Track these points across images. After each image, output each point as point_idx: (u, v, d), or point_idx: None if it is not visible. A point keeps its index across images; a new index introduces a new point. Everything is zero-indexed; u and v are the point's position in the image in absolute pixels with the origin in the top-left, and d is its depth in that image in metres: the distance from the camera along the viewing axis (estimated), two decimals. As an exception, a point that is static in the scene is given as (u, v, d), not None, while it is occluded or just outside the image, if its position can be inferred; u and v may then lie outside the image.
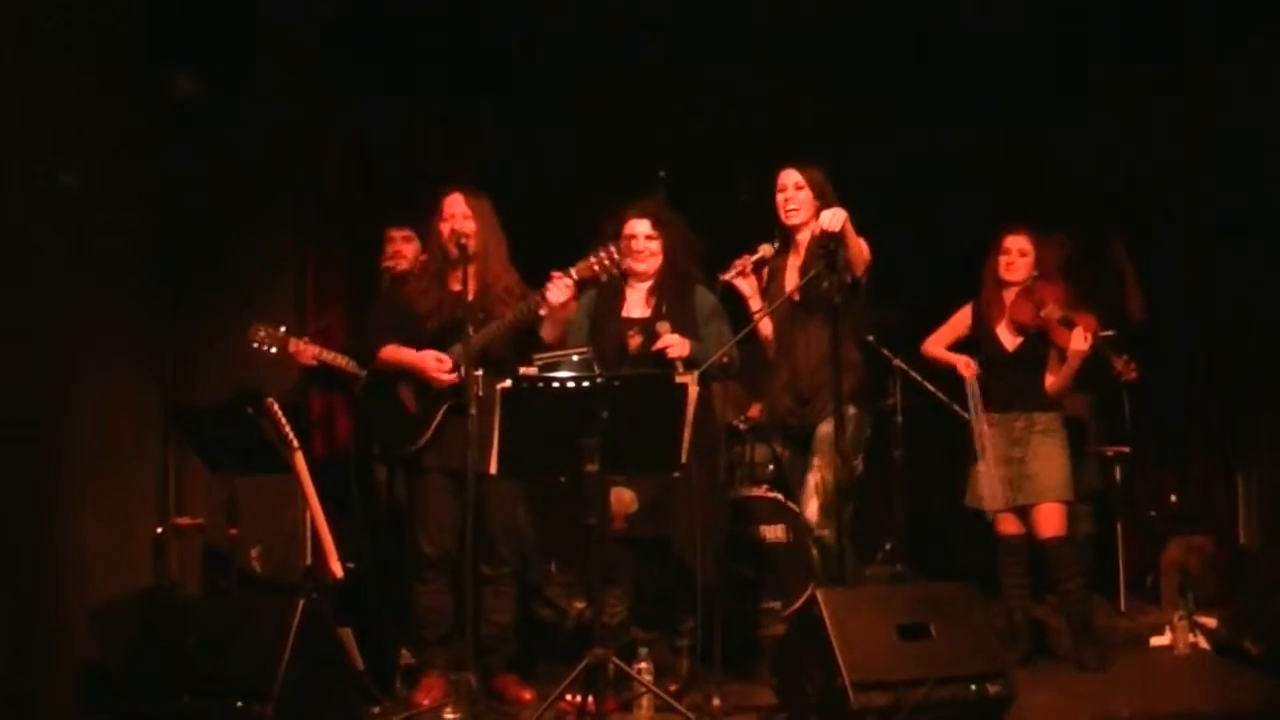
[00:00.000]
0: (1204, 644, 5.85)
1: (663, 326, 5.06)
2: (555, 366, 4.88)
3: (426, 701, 5.01)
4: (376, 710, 4.93)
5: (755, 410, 6.26)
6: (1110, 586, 6.53)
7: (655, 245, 5.23)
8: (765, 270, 5.34)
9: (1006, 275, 5.68)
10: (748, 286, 5.24)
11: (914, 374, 6.18)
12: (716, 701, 4.75)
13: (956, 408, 5.81)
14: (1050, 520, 5.55)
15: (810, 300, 5.14)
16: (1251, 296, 6.66)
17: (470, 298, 4.89)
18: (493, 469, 4.44)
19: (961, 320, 5.83)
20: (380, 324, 5.27)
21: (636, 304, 5.26)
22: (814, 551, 5.26)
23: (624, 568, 5.14)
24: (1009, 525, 5.64)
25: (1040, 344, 5.64)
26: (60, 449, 5.17)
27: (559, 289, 4.92)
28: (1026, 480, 5.57)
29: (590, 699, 4.46)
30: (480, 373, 4.90)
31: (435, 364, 5.05)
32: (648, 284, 5.26)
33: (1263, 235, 6.56)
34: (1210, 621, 5.90)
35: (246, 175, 6.25)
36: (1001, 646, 4.81)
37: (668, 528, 5.09)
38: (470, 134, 7.34)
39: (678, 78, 7.17)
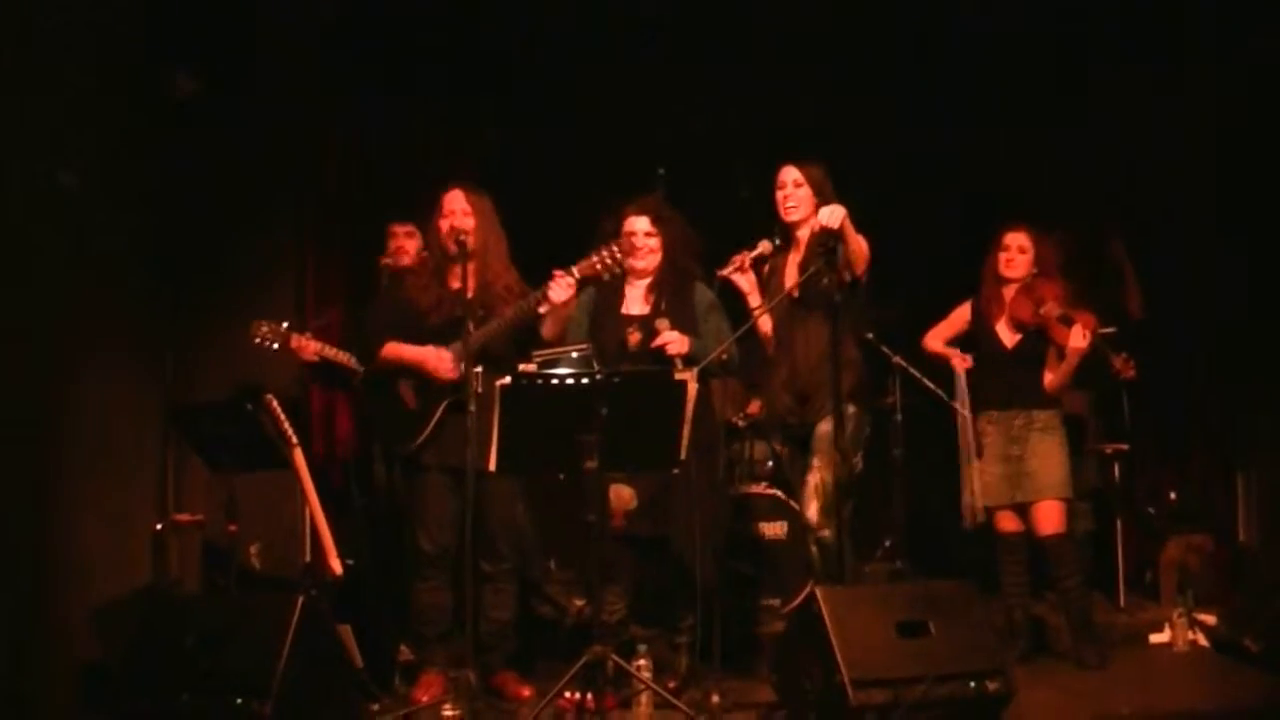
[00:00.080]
0: (1203, 641, 5.85)
1: (662, 323, 5.06)
2: (554, 363, 4.87)
3: (425, 698, 5.01)
4: (375, 707, 4.93)
5: (754, 407, 6.28)
6: (1109, 583, 6.53)
7: (654, 242, 5.23)
8: (765, 267, 5.35)
9: (1006, 272, 5.69)
10: (746, 282, 5.24)
11: (913, 372, 6.18)
12: (715, 698, 4.74)
13: (956, 406, 5.81)
14: (1049, 518, 5.55)
15: (809, 297, 5.14)
16: (1251, 296, 6.66)
17: (470, 295, 4.89)
18: (492, 466, 4.44)
19: (961, 316, 5.84)
20: (380, 321, 5.27)
21: (636, 301, 5.27)
22: (813, 549, 5.26)
23: (623, 565, 5.14)
24: (1008, 523, 5.65)
25: (1039, 341, 5.64)
26: (60, 449, 5.17)
27: (561, 288, 4.93)
28: (1025, 478, 5.57)
29: (589, 696, 4.46)
30: (480, 369, 4.90)
31: (436, 359, 5.06)
32: (647, 281, 5.27)
33: (1263, 235, 6.56)
34: (1210, 619, 5.90)
35: (246, 175, 6.26)
36: (1000, 644, 4.81)
37: (667, 525, 5.09)
38: (470, 134, 7.34)
39: (678, 78, 7.18)
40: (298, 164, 6.64)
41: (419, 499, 5.15)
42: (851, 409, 5.09)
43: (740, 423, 6.38)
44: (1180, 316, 6.91)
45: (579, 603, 5.95)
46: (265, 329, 5.89)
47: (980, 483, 5.65)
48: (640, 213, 5.25)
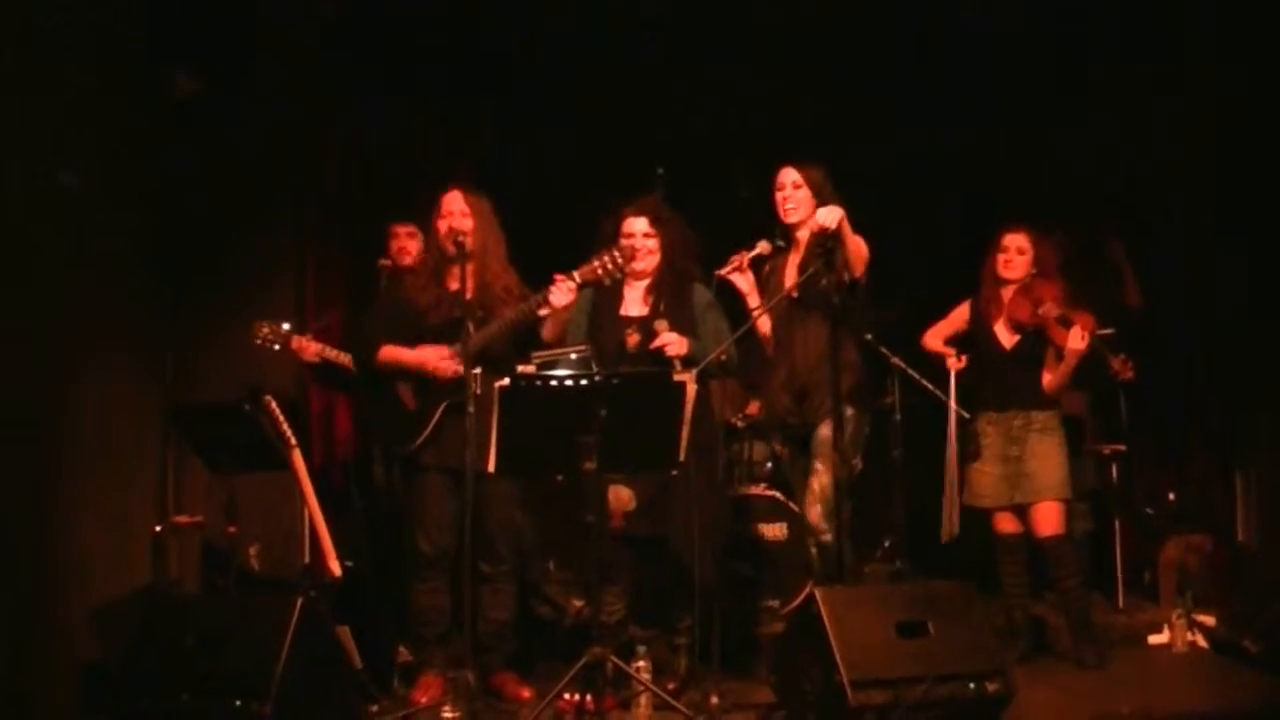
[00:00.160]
0: (1202, 642, 5.85)
1: (661, 325, 5.07)
2: (553, 365, 4.87)
3: (424, 700, 5.01)
4: (374, 709, 4.93)
5: (753, 408, 6.27)
6: (1108, 584, 6.54)
7: (653, 243, 5.23)
8: (765, 267, 5.35)
9: (1005, 273, 5.69)
10: (744, 282, 5.24)
11: (912, 373, 6.18)
12: (715, 699, 4.73)
13: (956, 408, 5.81)
14: (1049, 519, 5.55)
15: (809, 298, 5.14)
16: (1251, 296, 6.66)
17: (468, 296, 4.89)
18: (491, 467, 4.44)
19: (961, 315, 5.84)
20: (378, 325, 5.27)
21: (635, 302, 5.27)
22: (813, 550, 5.27)
23: (622, 566, 5.15)
24: (1007, 524, 5.65)
25: (1038, 342, 5.64)
26: (60, 449, 5.17)
27: (562, 291, 4.93)
28: (1024, 479, 5.57)
29: (589, 697, 4.47)
30: (479, 371, 4.90)
31: (436, 357, 5.06)
32: (646, 282, 5.27)
33: (1263, 235, 6.56)
34: (1209, 620, 5.90)
35: (246, 175, 6.26)
36: (1000, 644, 4.81)
37: (666, 526, 5.09)
38: (470, 134, 7.34)
39: (678, 78, 7.18)
40: (298, 164, 6.64)
41: (418, 500, 5.15)
42: (850, 411, 5.10)
43: (739, 424, 6.38)
44: (1180, 316, 6.90)
45: (578, 603, 5.94)
46: (266, 330, 5.89)
47: (977, 485, 5.66)
48: (639, 214, 5.25)
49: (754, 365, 5.47)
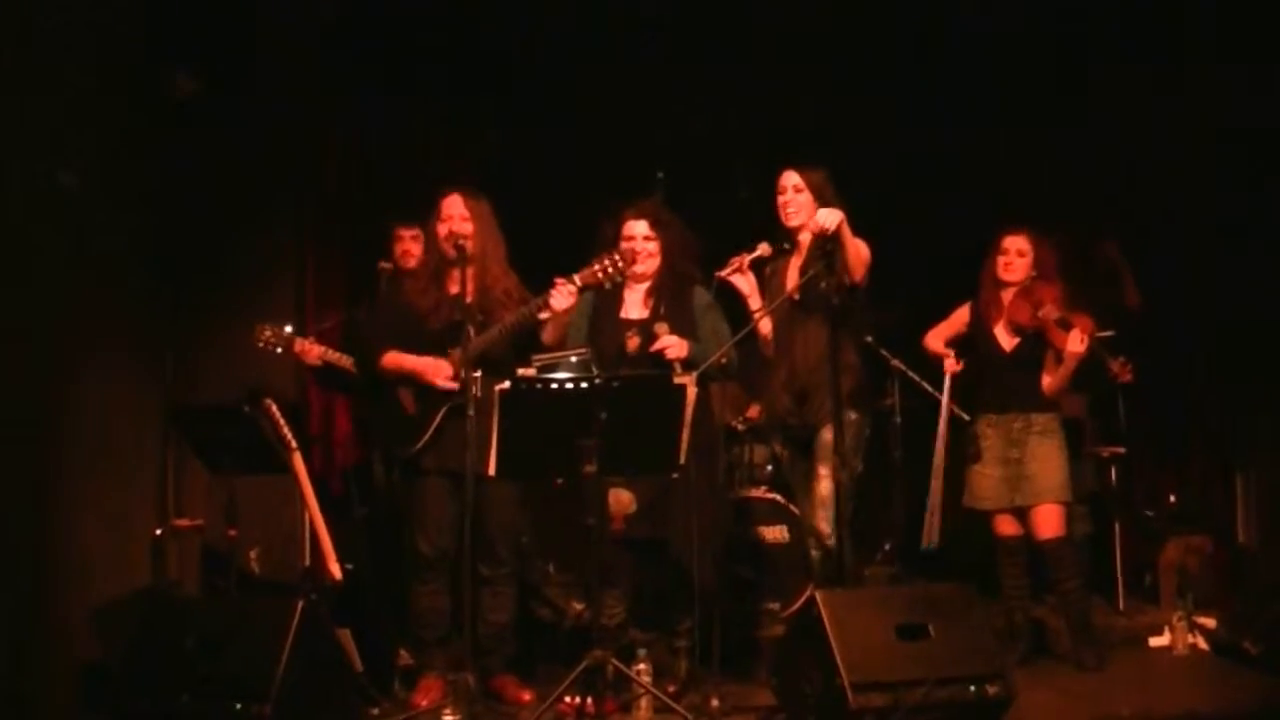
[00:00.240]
0: (1203, 644, 5.84)
1: (661, 328, 5.06)
2: (553, 368, 4.87)
3: (425, 702, 5.01)
4: (375, 711, 4.94)
5: (754, 411, 6.27)
6: (1108, 586, 6.54)
7: (653, 246, 5.22)
8: (766, 269, 5.35)
9: (1004, 275, 5.68)
10: (745, 284, 5.24)
11: (912, 375, 6.18)
12: (715, 702, 4.75)
13: (956, 409, 5.82)
14: (1049, 521, 5.55)
15: (809, 300, 5.14)
16: (1251, 296, 6.66)
17: (469, 299, 4.89)
18: (491, 470, 4.45)
19: (961, 317, 5.83)
20: (381, 330, 5.27)
21: (635, 305, 5.26)
22: (813, 552, 5.27)
23: (622, 568, 5.14)
24: (1007, 526, 5.65)
25: (1037, 344, 5.63)
26: (60, 449, 5.18)
27: (562, 295, 4.93)
28: (1024, 481, 5.57)
29: (589, 700, 4.47)
30: (479, 374, 4.89)
31: (435, 369, 5.05)
32: (646, 285, 5.26)
33: (1263, 235, 6.56)
34: (1209, 622, 5.90)
35: (246, 175, 6.26)
36: (1000, 647, 4.81)
37: (666, 529, 5.09)
38: (470, 134, 7.34)
39: (678, 78, 7.17)
40: (298, 164, 6.64)
41: (418, 503, 5.15)
42: (852, 415, 5.09)
43: (740, 426, 6.37)
44: (1180, 316, 6.91)
45: (578, 606, 5.94)
46: (269, 333, 5.88)
47: (977, 488, 5.66)
48: (639, 216, 5.24)
49: (754, 368, 5.47)
